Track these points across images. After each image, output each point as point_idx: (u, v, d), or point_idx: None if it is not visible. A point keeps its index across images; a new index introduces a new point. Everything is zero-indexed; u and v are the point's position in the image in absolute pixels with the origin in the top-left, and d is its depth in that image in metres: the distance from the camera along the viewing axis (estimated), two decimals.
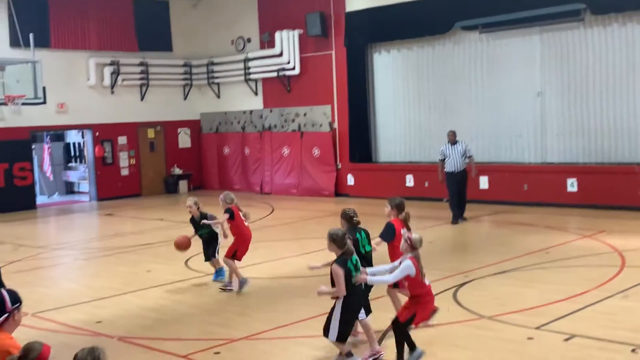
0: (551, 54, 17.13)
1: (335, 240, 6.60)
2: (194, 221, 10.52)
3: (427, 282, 6.76)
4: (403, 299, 7.39)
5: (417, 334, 7.51)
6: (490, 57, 18.17)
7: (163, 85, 23.99)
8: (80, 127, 22.88)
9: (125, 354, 7.47)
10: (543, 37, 17.24)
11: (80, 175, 24.28)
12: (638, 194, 15.38)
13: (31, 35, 17.97)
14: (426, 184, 18.53)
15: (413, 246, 6.70)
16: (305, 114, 21.73)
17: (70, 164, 25.09)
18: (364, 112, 20.57)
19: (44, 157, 23.72)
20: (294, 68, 21.58)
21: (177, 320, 8.80)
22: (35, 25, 20.02)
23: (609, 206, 15.60)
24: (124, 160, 23.19)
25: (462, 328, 7.81)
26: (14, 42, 19.68)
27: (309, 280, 9.74)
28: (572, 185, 16.42)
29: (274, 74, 22.08)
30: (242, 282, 9.87)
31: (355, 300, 6.61)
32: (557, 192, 16.56)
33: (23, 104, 18.38)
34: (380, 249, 7.87)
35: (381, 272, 7.04)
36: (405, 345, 6.68)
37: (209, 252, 10.54)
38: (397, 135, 20.26)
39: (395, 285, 7.45)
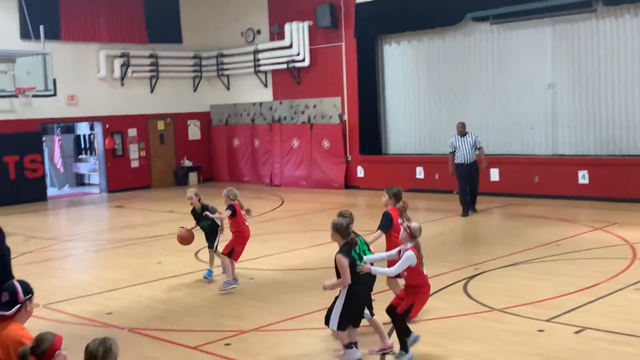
0: (563, 46, 17.02)
1: (339, 230, 6.60)
2: (195, 213, 10.42)
3: (425, 272, 6.73)
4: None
5: (427, 327, 7.51)
6: (501, 49, 18.07)
7: (173, 77, 24.01)
8: (90, 119, 22.94)
9: (136, 345, 7.49)
10: (555, 28, 17.12)
11: (91, 167, 24.36)
12: None
13: (41, 27, 18.00)
14: (436, 176, 18.49)
15: (413, 235, 6.67)
16: (315, 106, 21.70)
17: (80, 156, 25.17)
18: (374, 103, 20.53)
19: (55, 149, 23.82)
20: (303, 60, 21.54)
21: (187, 312, 8.82)
22: (46, 17, 20.05)
23: (621, 198, 15.51)
24: (134, 152, 23.24)
25: (472, 320, 7.79)
26: (25, 34, 19.74)
27: (318, 272, 9.75)
28: (583, 177, 16.34)
29: (284, 66, 22.05)
30: (230, 282, 9.65)
31: (360, 289, 6.61)
32: (568, 184, 16.48)
33: (33, 96, 18.43)
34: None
35: (378, 260, 7.01)
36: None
37: (208, 245, 10.45)
38: (407, 127, 20.20)
39: (397, 276, 7.44)
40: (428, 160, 19.01)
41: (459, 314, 7.94)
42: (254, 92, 23.51)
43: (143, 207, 19.34)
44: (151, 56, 23.31)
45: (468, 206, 15.04)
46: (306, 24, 21.28)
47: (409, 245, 6.65)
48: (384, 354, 6.84)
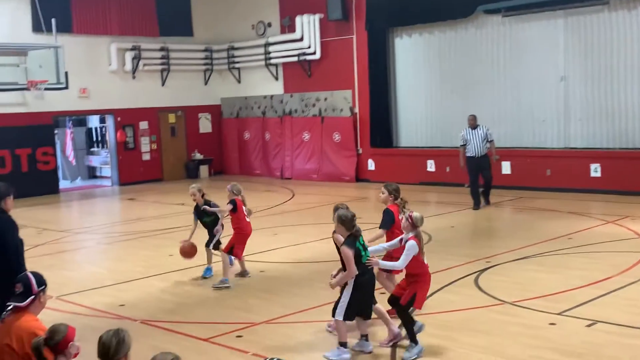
0: (575, 38, 16.91)
1: (344, 222, 6.59)
2: (197, 209, 10.36)
3: (425, 261, 6.73)
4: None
5: (438, 320, 7.51)
6: (513, 41, 17.97)
7: (184, 70, 24.04)
8: (102, 112, 23.02)
9: (148, 337, 7.53)
10: (567, 20, 17.01)
11: (102, 160, 24.46)
12: None
13: (53, 21, 18.09)
14: (447, 169, 18.45)
15: (414, 224, 6.67)
16: (325, 99, 21.68)
17: (92, 149, 25.29)
18: (385, 96, 20.48)
19: (67, 142, 23.91)
20: (314, 52, 21.51)
21: (199, 304, 8.87)
22: (58, 10, 20.11)
23: (633, 192, 15.42)
24: (145, 145, 23.31)
25: (483, 313, 7.79)
26: (37, 28, 19.82)
27: (329, 265, 9.71)
28: (595, 170, 16.26)
29: (295, 59, 22.03)
30: (225, 281, 9.57)
31: (366, 279, 6.63)
32: (580, 178, 16.41)
33: (45, 89, 18.53)
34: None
35: (380, 252, 7.13)
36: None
37: (207, 241, 10.30)
38: (418, 120, 20.15)
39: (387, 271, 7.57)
40: (439, 153, 18.97)
41: (470, 307, 7.94)
42: (264, 85, 23.51)
43: (154, 199, 19.40)
44: (162, 49, 23.35)
45: (479, 199, 15.00)
46: (317, 17, 21.25)
47: (411, 234, 6.66)
48: (394, 345, 6.85)
